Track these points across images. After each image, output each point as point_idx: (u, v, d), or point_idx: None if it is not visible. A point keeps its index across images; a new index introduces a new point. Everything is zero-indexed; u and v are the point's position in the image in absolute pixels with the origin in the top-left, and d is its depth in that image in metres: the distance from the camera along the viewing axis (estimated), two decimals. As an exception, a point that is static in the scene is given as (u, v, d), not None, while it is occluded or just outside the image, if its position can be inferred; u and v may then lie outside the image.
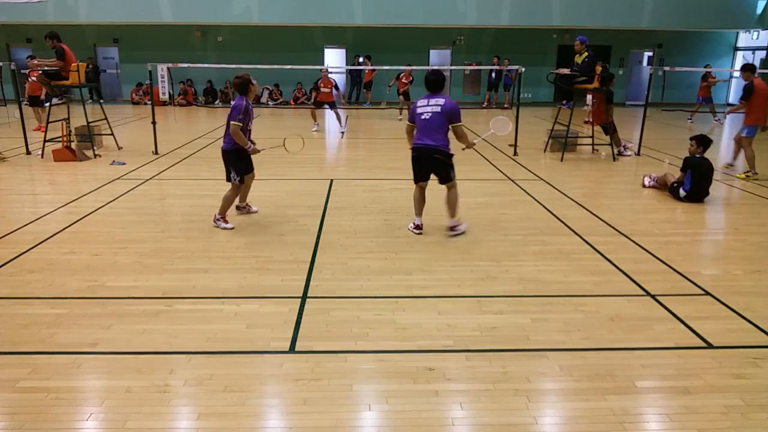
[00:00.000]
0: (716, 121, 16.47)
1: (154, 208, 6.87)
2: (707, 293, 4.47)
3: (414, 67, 15.75)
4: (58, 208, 6.69)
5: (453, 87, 22.84)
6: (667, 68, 12.85)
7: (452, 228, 5.72)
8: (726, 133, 14.15)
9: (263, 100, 20.89)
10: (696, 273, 4.88)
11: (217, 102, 21.13)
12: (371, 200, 7.19)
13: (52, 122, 10.12)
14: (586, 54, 9.93)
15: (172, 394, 3.07)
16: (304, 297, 4.31)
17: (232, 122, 5.56)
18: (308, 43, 21.55)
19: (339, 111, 13.79)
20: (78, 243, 5.49)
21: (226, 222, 5.91)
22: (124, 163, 9.37)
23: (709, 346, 3.65)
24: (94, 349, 3.52)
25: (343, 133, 13.74)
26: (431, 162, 5.59)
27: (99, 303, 4.17)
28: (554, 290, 4.49)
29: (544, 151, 11.05)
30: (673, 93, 20.45)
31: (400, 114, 16.41)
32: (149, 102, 13.07)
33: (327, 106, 13.95)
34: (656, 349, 3.60)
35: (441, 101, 5.47)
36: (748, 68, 8.91)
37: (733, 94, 22.87)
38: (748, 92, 8.59)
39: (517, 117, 11.15)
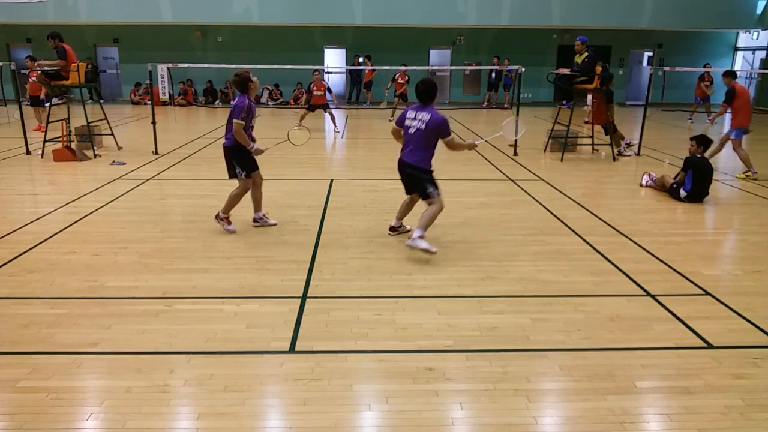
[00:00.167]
0: (708, 121, 16.52)
1: (154, 208, 6.87)
2: (707, 293, 4.47)
3: (409, 68, 15.76)
4: (58, 208, 6.70)
5: (453, 87, 22.86)
6: (667, 68, 12.86)
7: (411, 237, 5.11)
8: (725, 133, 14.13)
9: (263, 100, 20.89)
10: (696, 273, 4.88)
11: (217, 102, 21.13)
12: (371, 200, 7.19)
13: (52, 122, 10.12)
14: (586, 54, 9.93)
15: (172, 394, 3.07)
16: (304, 297, 4.31)
17: (235, 121, 5.50)
18: (308, 43, 21.56)
19: (332, 112, 13.93)
20: (78, 243, 5.49)
21: (229, 223, 5.78)
22: (124, 163, 9.37)
23: (709, 346, 3.65)
24: (94, 349, 3.52)
25: (338, 132, 13.86)
26: (406, 176, 5.35)
27: (99, 303, 4.18)
28: (554, 290, 4.49)
29: (544, 151, 11.05)
30: (673, 93, 20.45)
31: (392, 115, 16.27)
32: (149, 102, 13.08)
33: (320, 109, 14.04)
34: (656, 349, 3.60)
35: (426, 117, 5.12)
36: (728, 74, 9.28)
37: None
38: (730, 97, 8.92)
39: (516, 126, 11.13)
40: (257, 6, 18.87)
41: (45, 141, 9.81)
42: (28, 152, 10.10)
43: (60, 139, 9.72)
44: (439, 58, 22.32)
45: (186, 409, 2.98)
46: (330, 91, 14.20)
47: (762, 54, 21.55)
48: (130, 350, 3.51)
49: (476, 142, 5.48)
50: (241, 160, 5.66)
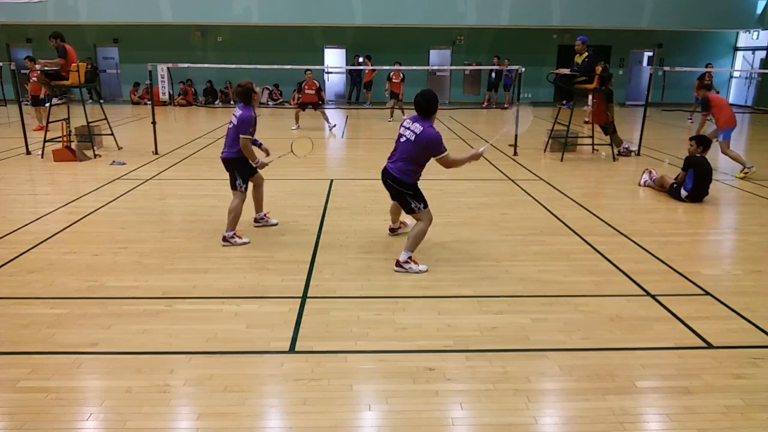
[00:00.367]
0: (689, 120, 16.68)
1: (154, 208, 6.87)
2: (707, 293, 4.47)
3: (410, 68, 15.76)
4: (58, 208, 6.70)
5: (453, 87, 22.86)
6: (667, 68, 12.85)
7: (399, 263, 4.83)
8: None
9: (263, 100, 20.89)
10: (696, 273, 4.88)
11: (217, 102, 21.13)
12: (371, 200, 7.19)
13: (52, 122, 10.12)
14: (586, 54, 9.93)
15: (172, 394, 3.07)
16: (304, 297, 4.31)
17: (242, 136, 5.34)
18: (308, 43, 21.56)
19: (324, 111, 14.08)
20: (78, 243, 5.49)
21: (240, 237, 5.51)
22: (124, 163, 9.37)
23: (709, 346, 3.65)
24: (94, 349, 3.52)
25: (333, 126, 14.07)
26: (388, 186, 4.99)
27: (99, 303, 4.18)
28: (554, 290, 4.49)
29: (544, 151, 11.05)
30: (673, 93, 20.46)
31: (391, 116, 16.28)
32: (149, 102, 13.08)
33: (311, 107, 14.10)
34: (656, 349, 3.60)
35: (418, 129, 4.70)
36: (702, 86, 9.70)
37: (733, 95, 22.90)
38: (705, 105, 9.14)
39: (517, 117, 11.15)
40: (257, 6, 18.87)
41: (45, 141, 9.81)
42: (28, 152, 10.10)
43: (60, 139, 9.72)
44: (439, 58, 22.32)
45: (186, 409, 2.98)
46: (321, 90, 14.28)
47: (762, 54, 21.55)
48: (130, 350, 3.51)
49: (480, 150, 4.94)
50: (241, 171, 5.51)
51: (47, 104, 11.91)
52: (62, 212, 6.53)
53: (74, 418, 2.88)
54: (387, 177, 4.92)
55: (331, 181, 8.30)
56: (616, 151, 10.53)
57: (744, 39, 22.52)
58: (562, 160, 10.08)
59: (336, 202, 7.10)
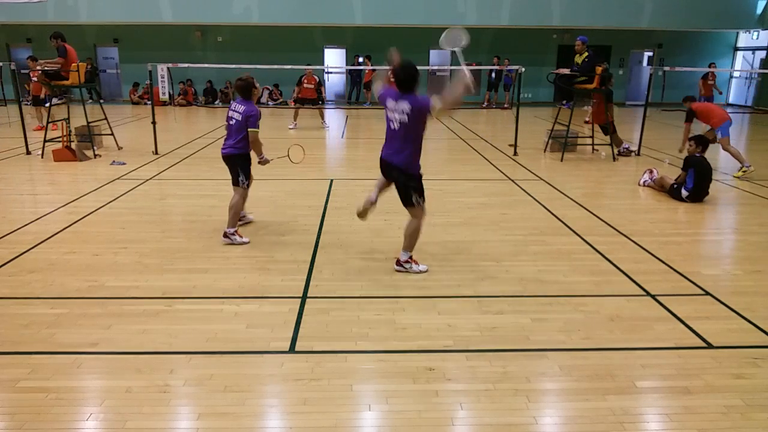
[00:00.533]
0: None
1: (154, 208, 6.87)
2: (707, 293, 4.47)
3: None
4: (58, 208, 6.70)
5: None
6: (667, 68, 12.84)
7: (399, 263, 4.81)
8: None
9: (263, 99, 20.89)
10: (696, 273, 4.88)
11: (217, 102, 21.12)
12: (371, 200, 7.18)
13: (52, 122, 10.12)
14: (586, 54, 9.94)
15: (172, 394, 3.07)
16: (304, 297, 4.31)
17: (252, 130, 5.36)
18: (308, 43, 21.55)
19: (323, 111, 14.14)
20: (78, 243, 5.49)
21: (241, 236, 5.52)
22: (124, 163, 9.37)
23: (709, 346, 3.65)
24: (94, 349, 3.52)
25: (327, 127, 14.17)
26: (392, 178, 4.80)
27: (99, 303, 4.18)
28: (554, 290, 4.49)
29: (544, 151, 11.05)
30: (673, 93, 20.39)
31: None
32: (149, 102, 13.08)
33: (309, 104, 14.12)
34: (656, 349, 3.60)
35: (407, 107, 4.46)
36: (687, 99, 9.66)
37: (733, 95, 22.90)
38: (690, 115, 9.17)
39: (517, 117, 11.17)
40: (257, 6, 18.87)
41: (45, 141, 9.80)
42: (28, 152, 10.10)
43: (60, 139, 9.72)
44: (439, 58, 22.31)
45: (186, 409, 2.98)
46: (320, 84, 14.28)
47: (762, 54, 21.55)
48: (130, 350, 3.51)
49: (468, 77, 4.50)
50: (245, 167, 5.55)
51: (47, 104, 11.91)
52: (62, 212, 6.53)
53: (74, 418, 2.88)
54: (392, 170, 4.69)
55: (331, 181, 8.30)
56: (616, 151, 10.53)
57: (744, 39, 22.51)
58: (562, 160, 10.08)
59: (336, 202, 7.10)
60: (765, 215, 6.87)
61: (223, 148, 5.58)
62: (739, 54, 22.76)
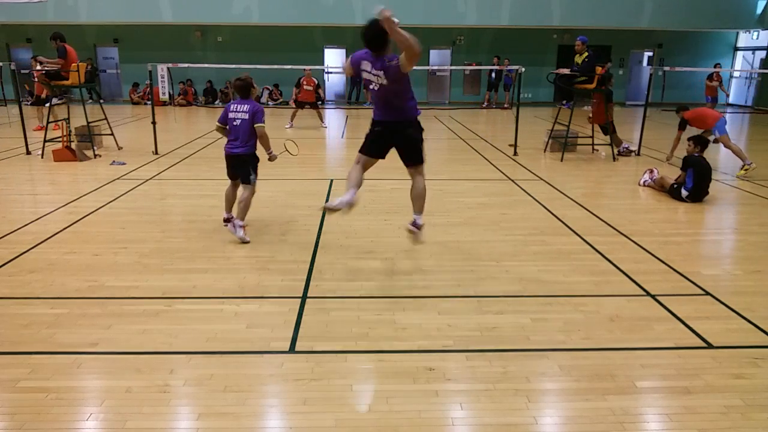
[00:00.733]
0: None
1: (154, 208, 6.87)
2: (707, 293, 4.47)
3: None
4: (58, 208, 6.69)
5: (453, 87, 22.86)
6: (667, 68, 12.84)
7: (416, 225, 4.83)
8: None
9: (263, 100, 20.90)
10: (696, 273, 4.88)
11: (217, 102, 21.12)
12: (371, 200, 7.19)
13: (52, 122, 10.12)
14: (586, 54, 9.94)
15: (172, 394, 3.07)
16: (304, 297, 4.31)
17: (259, 125, 5.44)
18: (308, 43, 21.56)
19: (321, 112, 14.22)
20: (78, 243, 5.49)
21: (246, 233, 5.50)
22: (124, 163, 9.37)
23: (709, 346, 3.65)
24: (94, 349, 3.52)
25: (325, 127, 14.23)
26: (400, 139, 4.68)
27: (99, 303, 4.17)
28: (554, 290, 4.49)
29: (544, 151, 11.05)
30: (673, 93, 20.43)
31: None
32: (149, 102, 13.08)
33: (308, 106, 14.15)
34: (656, 349, 3.60)
35: (381, 74, 4.43)
36: (681, 109, 9.86)
37: (733, 95, 22.90)
38: (683, 124, 9.43)
39: (517, 117, 11.17)
40: (257, 6, 18.87)
41: (45, 141, 9.80)
42: (28, 152, 10.10)
43: (60, 139, 9.72)
44: (439, 58, 22.32)
45: (186, 409, 2.98)
46: (319, 87, 14.32)
47: (762, 54, 21.56)
48: (130, 350, 3.51)
49: (386, 12, 4.63)
50: (256, 165, 5.65)
51: (47, 104, 11.91)
52: (62, 212, 6.53)
53: (74, 418, 2.88)
54: (396, 127, 4.60)
55: (331, 181, 8.30)
56: (615, 151, 10.53)
57: (744, 39, 22.52)
58: (562, 160, 10.08)
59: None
60: (765, 215, 6.87)
61: (231, 149, 5.56)
62: (739, 54, 22.76)
